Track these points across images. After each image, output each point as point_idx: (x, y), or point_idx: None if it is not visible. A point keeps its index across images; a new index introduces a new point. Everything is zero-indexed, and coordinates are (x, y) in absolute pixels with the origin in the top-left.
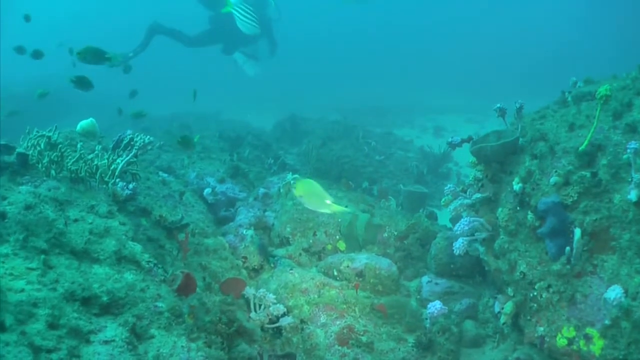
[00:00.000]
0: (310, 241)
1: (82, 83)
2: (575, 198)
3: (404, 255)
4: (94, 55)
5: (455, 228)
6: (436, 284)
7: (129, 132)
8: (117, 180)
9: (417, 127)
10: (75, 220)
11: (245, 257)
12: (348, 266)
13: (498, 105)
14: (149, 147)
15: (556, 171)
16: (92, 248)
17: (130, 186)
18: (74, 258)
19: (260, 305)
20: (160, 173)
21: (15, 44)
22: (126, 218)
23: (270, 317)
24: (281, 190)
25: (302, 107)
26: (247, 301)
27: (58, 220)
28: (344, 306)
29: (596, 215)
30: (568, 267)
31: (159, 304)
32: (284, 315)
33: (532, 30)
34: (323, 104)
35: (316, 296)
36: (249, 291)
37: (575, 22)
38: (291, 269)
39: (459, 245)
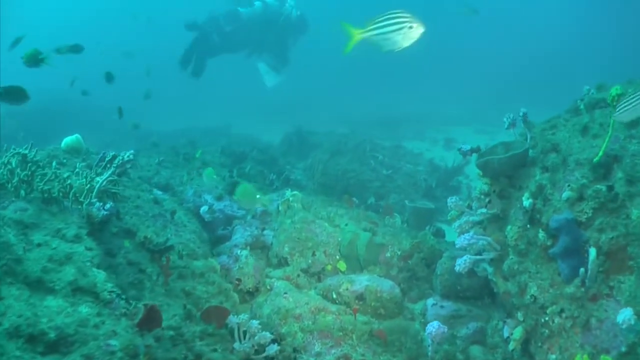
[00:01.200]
0: (309, 261)
1: (11, 95)
2: (590, 214)
3: (408, 276)
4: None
5: (457, 243)
6: (442, 307)
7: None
8: (95, 200)
9: (428, 140)
10: (39, 245)
11: (239, 280)
12: (347, 289)
13: (509, 116)
14: (129, 166)
15: (569, 185)
16: (48, 277)
17: (107, 206)
18: (27, 288)
19: (245, 335)
20: (155, 191)
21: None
22: (94, 242)
23: (256, 347)
24: (279, 207)
25: (310, 120)
26: (232, 331)
27: (17, 246)
28: (341, 333)
29: (612, 233)
30: (582, 290)
31: (113, 342)
32: (273, 343)
33: (546, 36)
34: (332, 117)
35: (310, 323)
36: (233, 319)
37: (589, 27)
38: (285, 293)
39: (462, 263)
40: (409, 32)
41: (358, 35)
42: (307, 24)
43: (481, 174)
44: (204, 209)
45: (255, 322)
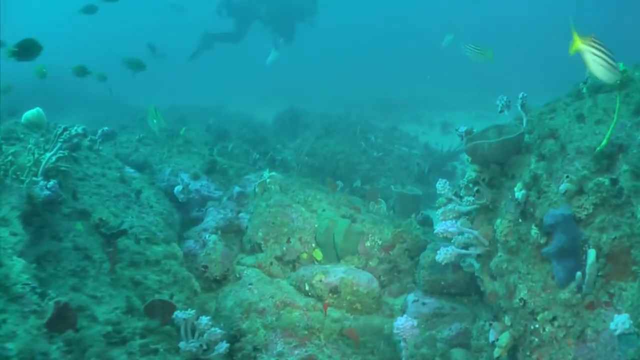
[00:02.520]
0: (284, 248)
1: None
2: (591, 211)
3: (389, 268)
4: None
5: (436, 229)
6: (423, 304)
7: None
8: (39, 179)
9: (425, 123)
10: None
11: (206, 267)
12: (321, 280)
13: (503, 98)
14: (75, 140)
15: (568, 176)
16: None
17: (50, 185)
18: None
19: (194, 332)
20: (127, 169)
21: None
22: (21, 227)
23: (204, 346)
24: (256, 189)
25: (307, 101)
26: (178, 327)
27: None
28: (306, 332)
29: (615, 233)
30: (578, 296)
31: (9, 346)
32: (225, 341)
33: (550, 19)
34: (329, 98)
35: (274, 319)
36: (179, 315)
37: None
38: (250, 284)
39: (444, 254)
40: (609, 72)
41: (580, 44)
42: (317, 6)
43: (470, 159)
44: (177, 188)
45: (205, 319)
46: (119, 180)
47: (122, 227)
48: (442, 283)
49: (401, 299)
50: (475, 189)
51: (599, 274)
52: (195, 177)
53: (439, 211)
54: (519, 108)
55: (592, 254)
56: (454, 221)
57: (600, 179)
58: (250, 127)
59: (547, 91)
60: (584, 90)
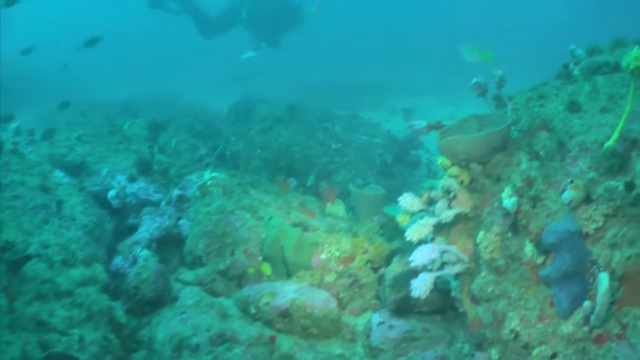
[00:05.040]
0: (228, 262)
1: None
2: (601, 224)
3: (349, 283)
4: None
5: (411, 258)
6: (390, 326)
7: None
8: None
9: (386, 109)
10: None
11: (137, 287)
12: (268, 303)
13: (475, 80)
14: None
15: (572, 181)
16: None
17: None
18: None
19: None
20: (56, 173)
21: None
22: None
23: None
24: (196, 193)
25: (266, 87)
26: None
27: None
28: None
29: (631, 250)
30: (585, 329)
31: None
32: None
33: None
34: (288, 84)
35: (209, 359)
36: None
37: None
38: (183, 313)
39: (420, 285)
40: None
41: None
42: (304, 17)
43: (444, 160)
44: (111, 193)
45: None
46: (40, 189)
47: (27, 251)
48: (413, 302)
49: (364, 318)
50: (452, 194)
51: (611, 300)
52: (132, 179)
53: (408, 232)
54: (497, 90)
55: (604, 279)
56: (432, 244)
57: (612, 182)
58: (202, 118)
59: (526, 73)
60: (576, 72)
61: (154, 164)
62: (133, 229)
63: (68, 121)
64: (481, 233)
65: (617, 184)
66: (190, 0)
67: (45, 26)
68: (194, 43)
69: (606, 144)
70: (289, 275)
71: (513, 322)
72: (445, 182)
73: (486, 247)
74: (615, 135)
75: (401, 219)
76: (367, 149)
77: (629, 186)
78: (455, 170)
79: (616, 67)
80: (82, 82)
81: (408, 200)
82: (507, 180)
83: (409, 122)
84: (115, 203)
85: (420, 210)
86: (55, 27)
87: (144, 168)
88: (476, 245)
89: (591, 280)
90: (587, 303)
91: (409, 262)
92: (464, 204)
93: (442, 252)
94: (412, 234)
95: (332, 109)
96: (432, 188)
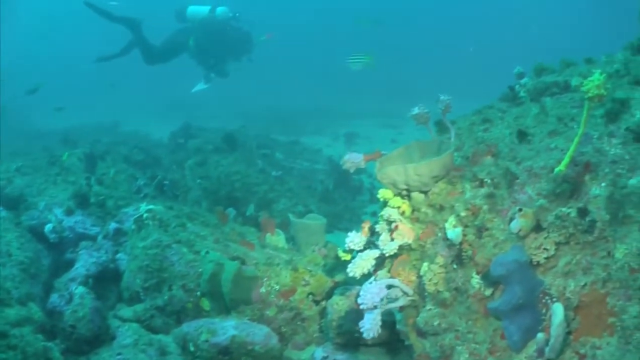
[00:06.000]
0: (166, 298)
1: None
2: (552, 252)
3: (291, 317)
4: None
5: (359, 300)
6: None
7: None
8: None
9: (329, 134)
10: None
11: (74, 326)
12: (207, 340)
13: (416, 110)
14: None
15: (521, 209)
16: None
17: None
18: None
19: None
20: None
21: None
22: None
23: None
24: (132, 226)
25: (206, 116)
26: None
27: None
28: None
29: (586, 279)
30: None
31: None
32: None
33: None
34: (228, 112)
35: None
36: None
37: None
38: (119, 354)
39: (370, 326)
40: None
41: None
42: (253, 45)
43: (384, 192)
44: (48, 227)
45: None
46: None
47: None
48: (357, 335)
49: (308, 352)
50: (393, 224)
51: (566, 330)
52: (70, 212)
53: (350, 267)
54: (441, 116)
55: (557, 309)
56: (377, 282)
57: (564, 209)
58: (142, 147)
59: (469, 98)
60: (522, 94)
61: (91, 196)
62: (71, 264)
63: (12, 152)
64: (425, 265)
65: (569, 210)
66: (138, 28)
67: None
68: (135, 69)
69: (556, 169)
70: (228, 310)
71: (462, 357)
72: (386, 213)
73: (430, 280)
74: (566, 160)
75: (343, 256)
76: (309, 175)
77: (582, 212)
78: (396, 201)
79: (565, 88)
80: (25, 113)
81: (354, 240)
82: (451, 209)
83: (353, 146)
84: (52, 237)
85: (365, 244)
86: None
87: (81, 200)
88: (420, 277)
89: (544, 310)
90: (540, 335)
91: (350, 295)
92: (406, 235)
93: (389, 287)
94: (354, 269)
95: (274, 135)
96: (368, 221)
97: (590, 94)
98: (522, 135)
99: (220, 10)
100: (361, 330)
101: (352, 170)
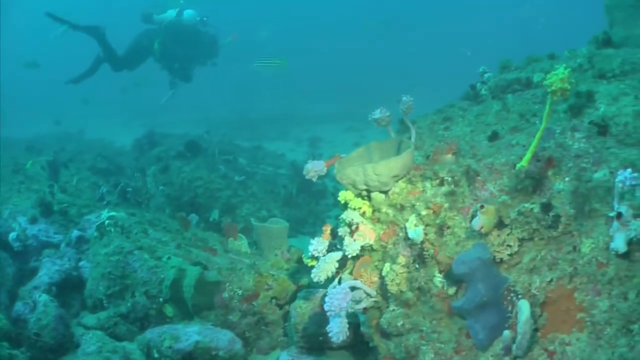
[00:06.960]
0: (129, 304)
1: None
2: (516, 249)
3: (255, 321)
4: None
5: (326, 306)
6: None
7: None
8: None
9: (292, 139)
10: None
11: (38, 334)
12: (171, 346)
13: (377, 113)
14: None
15: (482, 205)
16: None
17: None
18: None
19: None
20: None
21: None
22: None
23: None
24: (94, 233)
25: (170, 122)
26: None
27: None
28: None
29: (552, 274)
30: (507, 359)
31: None
32: None
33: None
34: (192, 118)
35: None
36: None
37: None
38: None
39: (337, 330)
40: None
41: None
42: (219, 48)
43: (344, 193)
44: (12, 235)
45: None
46: None
47: None
48: (321, 338)
49: (272, 356)
50: (354, 226)
51: (534, 327)
52: (33, 221)
53: (314, 272)
54: (403, 116)
55: (524, 307)
56: (341, 286)
57: (526, 205)
58: (106, 155)
59: (431, 97)
60: (483, 92)
61: (54, 204)
62: (35, 272)
63: None
64: (387, 265)
65: (532, 205)
66: (102, 36)
67: None
68: (104, 78)
69: (518, 165)
70: (191, 315)
71: (427, 357)
72: (346, 214)
73: (392, 280)
74: (527, 155)
75: (309, 262)
76: (272, 180)
77: (546, 207)
78: (357, 202)
79: (527, 84)
80: None
81: (317, 248)
82: (412, 208)
83: (317, 150)
84: (16, 246)
85: (328, 248)
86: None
87: (45, 209)
88: (382, 278)
89: (510, 308)
90: (506, 333)
91: (316, 299)
92: (367, 236)
93: (352, 289)
94: (319, 273)
95: (239, 140)
96: (329, 224)
97: (553, 87)
98: (495, 137)
99: (187, 13)
100: (329, 334)
101: (314, 179)
